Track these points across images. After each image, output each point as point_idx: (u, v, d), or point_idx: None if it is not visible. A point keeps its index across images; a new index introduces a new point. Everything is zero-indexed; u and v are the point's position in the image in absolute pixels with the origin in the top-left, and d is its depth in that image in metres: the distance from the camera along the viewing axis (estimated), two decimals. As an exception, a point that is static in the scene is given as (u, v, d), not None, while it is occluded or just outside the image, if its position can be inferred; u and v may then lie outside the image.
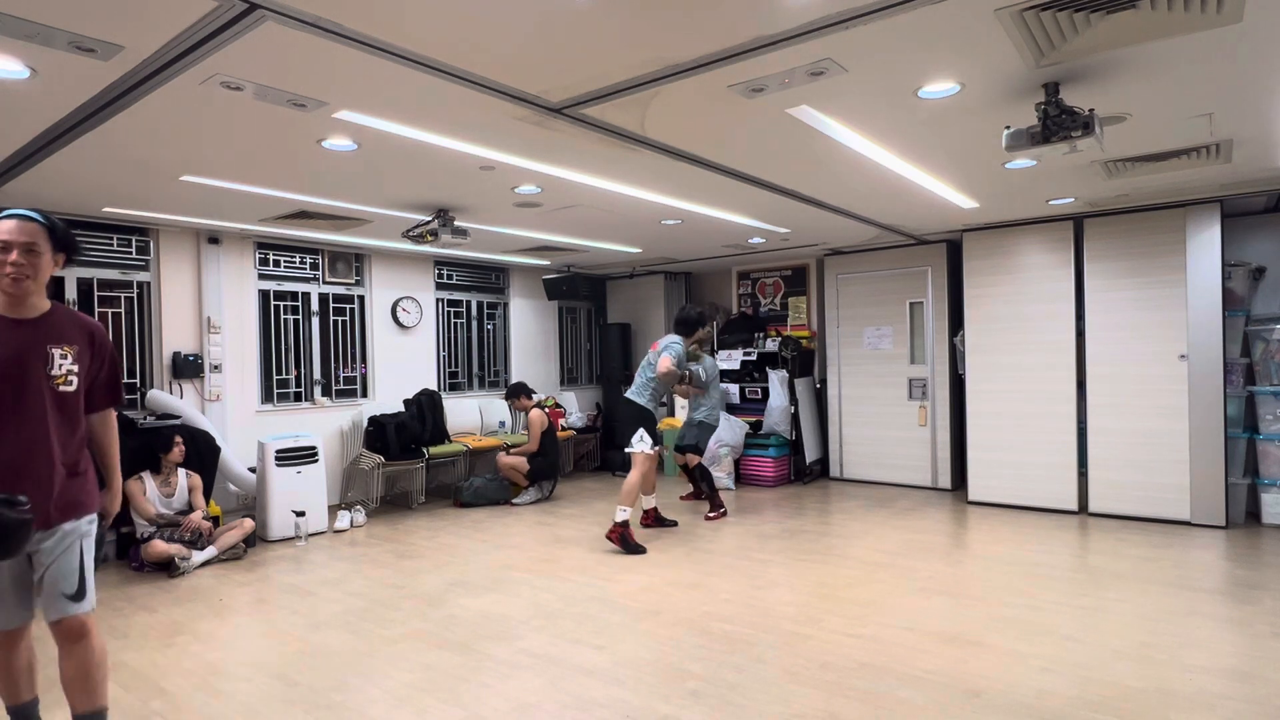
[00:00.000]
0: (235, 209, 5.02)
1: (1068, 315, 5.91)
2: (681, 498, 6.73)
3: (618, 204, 5.05)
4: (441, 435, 6.92)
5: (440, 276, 7.68)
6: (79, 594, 2.27)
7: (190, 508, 4.98)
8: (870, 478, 7.34)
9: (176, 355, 5.72)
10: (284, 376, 6.53)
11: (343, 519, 5.86)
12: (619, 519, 4.95)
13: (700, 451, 6.17)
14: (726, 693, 2.89)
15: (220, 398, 5.97)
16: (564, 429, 7.93)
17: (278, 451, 5.53)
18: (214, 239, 5.93)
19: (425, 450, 6.66)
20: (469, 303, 8.04)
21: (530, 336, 8.60)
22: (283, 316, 6.51)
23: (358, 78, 2.77)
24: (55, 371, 2.26)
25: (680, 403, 8.24)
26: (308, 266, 6.60)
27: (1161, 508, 5.52)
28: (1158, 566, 4.43)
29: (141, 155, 3.73)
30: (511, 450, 6.95)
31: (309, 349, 6.67)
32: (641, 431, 5.16)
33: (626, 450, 5.26)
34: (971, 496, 6.36)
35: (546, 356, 8.78)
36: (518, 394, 6.93)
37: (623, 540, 4.91)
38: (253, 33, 2.38)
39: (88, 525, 2.34)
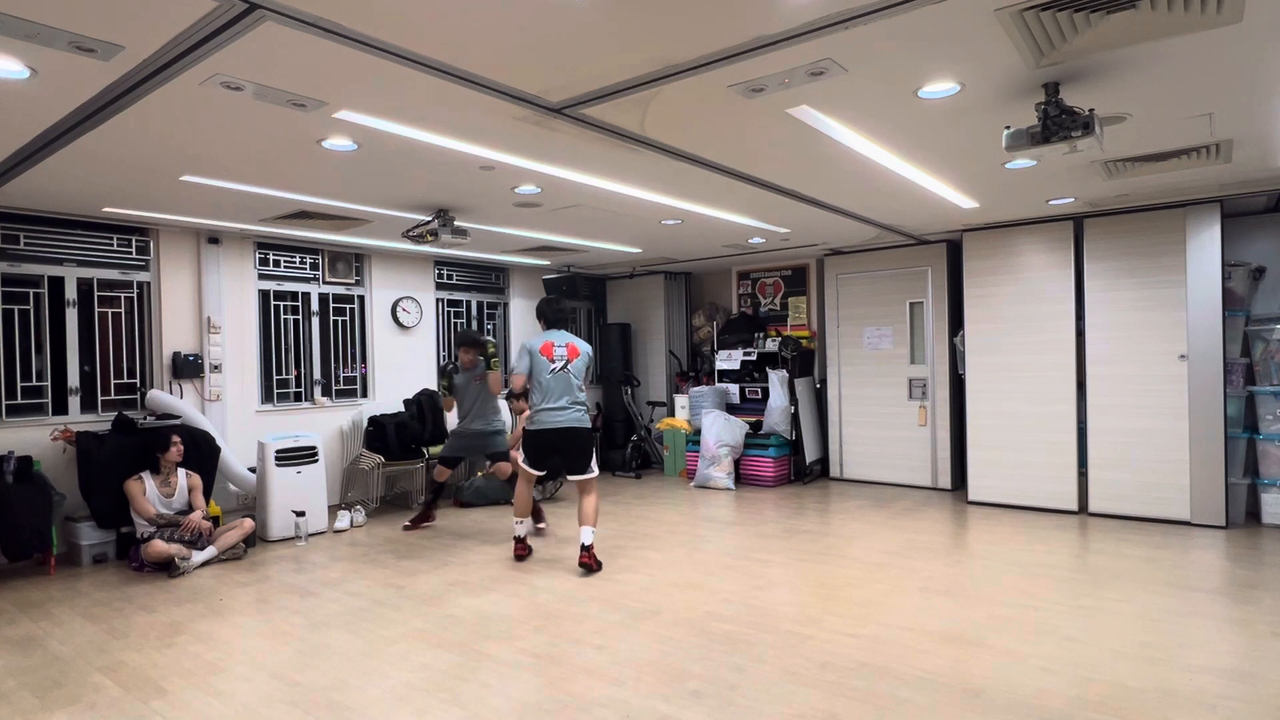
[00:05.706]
0: (235, 209, 5.02)
1: (1068, 315, 5.91)
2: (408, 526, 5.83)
3: (618, 204, 5.05)
4: (441, 435, 6.90)
5: (440, 276, 7.68)
6: None
7: (190, 508, 4.97)
8: (870, 478, 7.34)
9: (176, 355, 5.72)
10: (284, 376, 6.53)
11: (343, 519, 5.86)
12: (588, 542, 4.54)
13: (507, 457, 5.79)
14: (726, 693, 2.89)
15: (220, 398, 5.97)
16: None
17: (278, 451, 5.52)
18: (214, 239, 5.93)
19: (425, 450, 6.66)
20: (469, 303, 8.03)
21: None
22: (283, 316, 6.51)
23: (358, 78, 2.77)
24: None
25: (681, 401, 8.25)
26: (308, 266, 6.59)
27: (1161, 508, 5.52)
28: (1157, 566, 4.43)
29: (141, 155, 3.73)
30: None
31: (309, 349, 6.67)
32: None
33: (575, 479, 4.67)
34: (971, 496, 6.36)
35: (546, 356, 8.77)
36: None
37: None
38: (253, 33, 2.38)
39: None
